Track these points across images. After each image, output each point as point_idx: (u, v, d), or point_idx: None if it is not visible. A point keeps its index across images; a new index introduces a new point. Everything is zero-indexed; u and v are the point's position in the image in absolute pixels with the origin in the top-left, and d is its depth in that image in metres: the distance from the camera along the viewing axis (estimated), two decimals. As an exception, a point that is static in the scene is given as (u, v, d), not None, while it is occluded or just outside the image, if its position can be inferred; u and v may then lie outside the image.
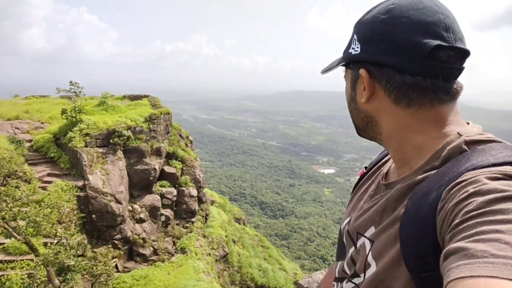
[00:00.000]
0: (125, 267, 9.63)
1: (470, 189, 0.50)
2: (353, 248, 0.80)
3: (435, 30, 0.65)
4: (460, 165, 0.58)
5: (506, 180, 0.49)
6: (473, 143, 0.63)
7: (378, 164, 0.93)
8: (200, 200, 12.46)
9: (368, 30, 0.70)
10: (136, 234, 10.17)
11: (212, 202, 14.99)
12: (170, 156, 12.55)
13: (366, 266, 0.70)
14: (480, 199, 0.47)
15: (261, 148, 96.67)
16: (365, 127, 0.80)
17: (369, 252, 0.70)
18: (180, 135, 14.44)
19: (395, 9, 0.68)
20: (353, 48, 0.74)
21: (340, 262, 0.86)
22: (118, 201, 9.80)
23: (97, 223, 9.53)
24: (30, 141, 10.87)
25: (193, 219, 11.75)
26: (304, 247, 36.77)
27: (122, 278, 9.04)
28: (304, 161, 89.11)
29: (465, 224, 0.46)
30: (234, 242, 13.27)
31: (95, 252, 9.26)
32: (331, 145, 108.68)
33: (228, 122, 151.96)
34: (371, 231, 0.73)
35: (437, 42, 0.64)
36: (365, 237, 0.74)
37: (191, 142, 15.33)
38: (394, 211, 0.68)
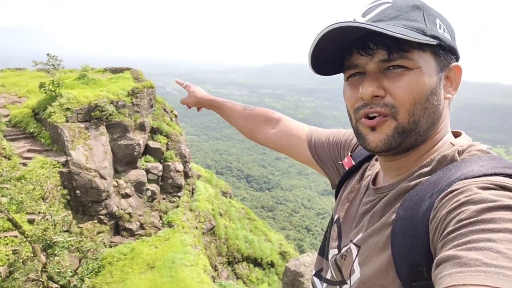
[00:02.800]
0: (112, 242, 9.72)
1: (462, 198, 0.50)
2: (336, 251, 0.79)
3: None
4: (451, 174, 0.58)
5: (497, 190, 0.50)
6: (463, 153, 0.63)
7: (367, 165, 0.85)
8: (186, 175, 12.48)
9: (452, 29, 0.68)
10: (122, 209, 10.19)
11: (198, 177, 15.05)
12: (155, 131, 12.40)
13: (351, 272, 0.68)
14: (472, 208, 0.47)
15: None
16: (425, 130, 0.65)
17: (356, 258, 0.68)
18: (165, 109, 14.21)
19: None
20: (443, 33, 0.63)
21: (324, 262, 0.84)
22: (102, 177, 9.72)
23: (82, 198, 9.47)
24: (7, 116, 10.50)
25: (179, 194, 11.82)
26: (289, 218, 37.77)
27: (109, 252, 9.13)
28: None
29: (457, 232, 0.46)
30: (221, 215, 13.49)
31: (80, 227, 9.27)
32: (317, 119, 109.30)
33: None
34: (359, 237, 0.71)
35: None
36: (352, 242, 0.72)
37: (175, 116, 15.13)
38: (382, 217, 0.67)
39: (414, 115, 0.62)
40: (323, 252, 0.86)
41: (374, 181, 0.79)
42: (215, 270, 11.26)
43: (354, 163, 0.87)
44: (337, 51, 0.68)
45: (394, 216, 0.62)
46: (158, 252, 9.36)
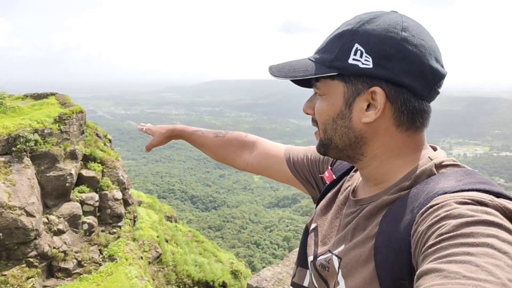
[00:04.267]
0: (45, 286, 8.70)
1: (442, 212, 0.53)
2: (311, 258, 0.80)
3: (440, 57, 0.68)
4: (430, 188, 0.61)
5: (474, 205, 0.52)
6: (440, 167, 0.67)
7: (347, 177, 0.89)
8: (126, 203, 11.77)
9: (388, 45, 0.64)
10: (55, 247, 9.22)
11: (140, 203, 14.29)
12: (88, 159, 11.56)
13: (336, 284, 0.70)
14: (452, 222, 0.49)
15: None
16: (347, 146, 0.73)
17: (338, 270, 0.70)
18: (97, 134, 13.37)
19: (411, 28, 0.66)
20: (357, 60, 0.66)
21: (304, 270, 0.85)
22: (29, 214, 8.74)
23: (5, 241, 8.39)
24: None
25: (120, 224, 11.07)
26: (237, 235, 37.44)
27: (42, 298, 8.17)
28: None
29: (438, 246, 0.48)
30: (167, 241, 12.90)
31: (5, 275, 8.17)
32: (257, 133, 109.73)
33: (150, 116, 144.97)
34: (340, 249, 0.73)
35: (445, 70, 0.68)
36: (333, 254, 0.74)
37: (110, 141, 14.31)
38: (364, 229, 0.69)
39: (326, 133, 0.74)
40: (301, 262, 0.87)
41: (354, 193, 0.81)
42: (165, 300, 10.67)
43: (335, 177, 0.91)
44: None
45: (377, 229, 0.65)
46: (100, 290, 8.61)
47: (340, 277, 0.69)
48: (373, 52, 0.65)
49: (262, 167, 1.15)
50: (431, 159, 0.68)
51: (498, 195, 0.56)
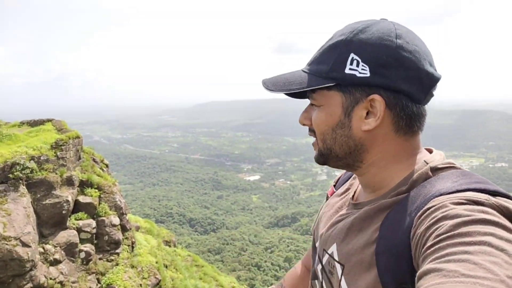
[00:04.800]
0: (41, 319, 8.39)
1: (439, 214, 0.54)
2: (320, 266, 0.82)
3: (433, 61, 0.70)
4: (427, 191, 0.62)
5: (470, 205, 0.53)
6: (436, 170, 0.67)
7: (346, 185, 0.92)
8: (123, 228, 11.56)
9: (384, 53, 0.66)
10: (51, 278, 8.96)
11: (138, 228, 14.05)
12: (84, 184, 11.42)
13: None
14: (449, 222, 0.50)
15: (185, 163, 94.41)
16: (347, 155, 0.74)
17: (341, 277, 0.71)
18: (94, 160, 13.27)
19: (404, 35, 0.68)
20: (354, 70, 0.67)
21: (314, 282, 0.87)
22: (25, 244, 8.53)
23: (0, 275, 8.14)
24: None
25: (117, 250, 10.83)
26: (238, 257, 36.72)
27: (38, 332, 7.86)
28: (230, 171, 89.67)
29: (436, 246, 0.49)
30: (166, 266, 12.61)
31: (-1, 309, 7.89)
32: (253, 152, 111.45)
33: (146, 139, 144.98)
34: (334, 248, 0.74)
35: (439, 74, 0.70)
36: (330, 255, 0.75)
37: (106, 166, 14.18)
38: (360, 231, 0.70)
39: (325, 143, 0.75)
40: (313, 275, 0.89)
41: (354, 198, 0.84)
42: (166, 329, 10.30)
43: (335, 190, 0.96)
44: None
45: (377, 234, 0.65)
46: (98, 321, 8.30)
47: (343, 284, 0.70)
48: (370, 61, 0.66)
49: None
50: (427, 163, 0.70)
51: (494, 193, 0.56)
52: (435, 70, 0.69)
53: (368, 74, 0.66)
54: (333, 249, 0.75)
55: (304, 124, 0.80)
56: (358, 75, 0.67)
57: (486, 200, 0.54)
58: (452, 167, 0.68)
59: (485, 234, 0.47)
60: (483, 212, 0.51)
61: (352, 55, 0.67)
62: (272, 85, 0.76)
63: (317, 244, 0.88)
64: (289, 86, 0.73)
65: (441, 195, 0.59)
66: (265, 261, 35.39)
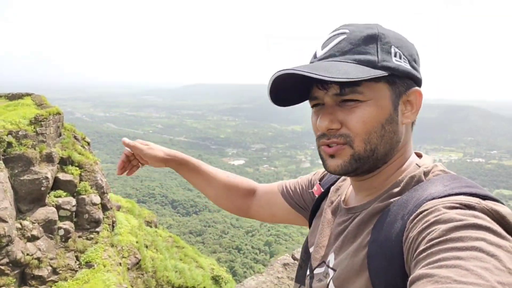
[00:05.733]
0: (17, 295, 8.33)
1: (431, 218, 0.54)
2: (308, 272, 0.81)
3: None
4: (419, 195, 0.63)
5: (462, 209, 0.54)
6: (428, 174, 0.68)
7: (335, 187, 0.88)
8: (104, 207, 11.47)
9: (413, 50, 0.71)
10: (28, 254, 8.85)
11: (119, 208, 13.95)
12: (65, 162, 11.21)
13: None
14: (442, 227, 0.51)
15: (169, 145, 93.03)
16: (384, 155, 0.69)
17: (330, 281, 0.70)
18: (75, 137, 12.99)
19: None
20: (399, 61, 0.67)
21: (300, 287, 0.86)
22: (1, 219, 8.36)
23: (-25, 249, 7.99)
24: None
25: (98, 229, 10.76)
26: (219, 240, 37.14)
27: (14, 308, 7.81)
28: (214, 155, 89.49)
29: (428, 251, 0.49)
30: (147, 247, 12.63)
31: (-26, 284, 7.77)
32: (239, 137, 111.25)
33: (130, 119, 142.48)
34: (331, 257, 0.74)
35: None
36: (327, 265, 0.74)
37: (88, 143, 13.93)
38: (355, 237, 0.70)
39: (370, 143, 0.67)
40: (298, 278, 0.88)
41: (345, 202, 0.82)
42: (144, 308, 10.41)
43: (323, 190, 0.92)
44: (300, 83, 0.71)
45: (369, 238, 0.65)
46: (76, 298, 8.31)
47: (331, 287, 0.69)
48: (408, 55, 0.69)
49: (264, 209, 1.11)
50: (419, 166, 0.70)
51: (484, 197, 0.57)
52: None
53: (410, 67, 0.68)
54: (330, 258, 0.74)
55: (330, 130, 0.68)
56: (404, 66, 0.67)
57: (477, 204, 0.54)
58: (442, 171, 0.69)
59: (477, 239, 0.47)
60: (474, 216, 0.51)
61: (393, 47, 0.67)
62: (324, 71, 0.62)
63: (311, 250, 0.85)
64: (351, 74, 0.62)
65: (433, 198, 0.59)
66: (246, 244, 35.94)
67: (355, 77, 0.61)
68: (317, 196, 0.92)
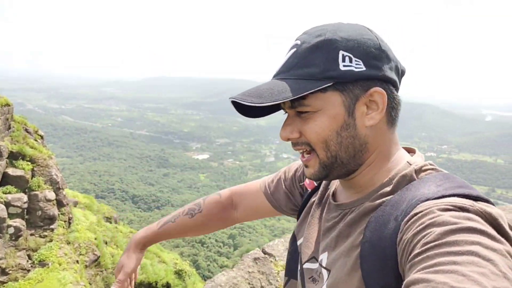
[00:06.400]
0: (-39, 298, 7.78)
1: (426, 220, 0.54)
2: (299, 267, 0.81)
3: None
4: (412, 195, 0.62)
5: (456, 212, 0.54)
6: (419, 172, 0.68)
7: (325, 182, 0.89)
8: (60, 203, 10.95)
9: (371, 47, 0.67)
10: (-27, 255, 8.28)
11: (76, 204, 13.38)
12: (15, 156, 10.54)
13: None
14: (437, 230, 0.51)
15: (129, 139, 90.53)
16: (351, 158, 0.70)
17: (325, 281, 0.71)
18: (27, 130, 12.24)
19: (373, 30, 0.71)
20: (349, 66, 0.65)
21: (293, 281, 0.86)
22: None
23: None
24: None
25: (52, 226, 10.26)
26: (182, 235, 36.69)
27: (-42, 312, 7.29)
28: (178, 149, 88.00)
29: (424, 255, 0.49)
30: (106, 243, 12.24)
31: None
32: (203, 131, 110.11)
33: (87, 111, 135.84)
34: (324, 256, 0.74)
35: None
36: (320, 264, 0.75)
37: (41, 137, 13.18)
38: (348, 237, 0.70)
39: (329, 150, 0.68)
40: (288, 272, 0.88)
41: (334, 196, 0.82)
42: (104, 305, 10.14)
43: (316, 184, 0.91)
44: None
45: (361, 237, 0.65)
46: (29, 299, 7.92)
47: None
48: (362, 55, 0.66)
49: (251, 215, 1.09)
50: (410, 164, 0.70)
51: (477, 198, 0.58)
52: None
53: (364, 68, 0.66)
54: (323, 257, 0.74)
55: (290, 139, 0.71)
56: (356, 69, 0.65)
57: (471, 206, 0.55)
58: (433, 169, 0.69)
59: (472, 243, 0.47)
60: (469, 219, 0.52)
61: (341, 52, 0.66)
62: (257, 98, 0.65)
63: (298, 243, 0.86)
64: (281, 95, 0.64)
65: (427, 199, 0.59)
66: (209, 238, 35.83)
67: (295, 93, 0.64)
68: (309, 190, 0.92)
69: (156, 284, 12.13)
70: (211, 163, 78.11)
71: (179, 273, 13.23)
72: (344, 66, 0.65)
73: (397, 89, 0.71)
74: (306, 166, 0.73)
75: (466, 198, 0.57)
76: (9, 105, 11.28)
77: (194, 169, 71.52)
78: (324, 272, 0.72)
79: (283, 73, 0.69)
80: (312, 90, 0.64)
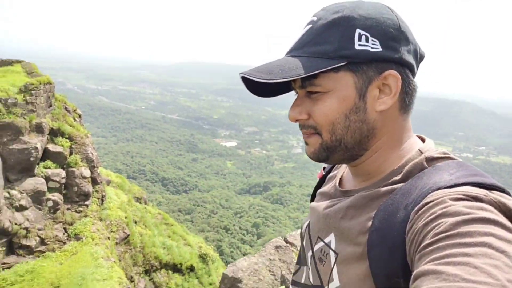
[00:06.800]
0: (4, 263, 8.31)
1: (437, 210, 0.52)
2: (310, 253, 0.79)
3: None
4: (423, 183, 0.60)
5: (469, 201, 0.52)
6: (432, 160, 0.65)
7: (334, 168, 0.90)
8: (94, 181, 11.40)
9: (391, 27, 0.63)
10: (16, 224, 8.80)
11: (108, 182, 13.90)
12: (55, 133, 11.03)
13: (330, 279, 0.69)
14: (448, 220, 0.49)
15: (161, 122, 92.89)
16: (356, 143, 0.68)
17: (334, 265, 0.69)
18: (66, 109, 12.77)
19: (394, 10, 0.67)
20: (365, 45, 0.62)
21: (302, 268, 0.85)
22: (-12, 188, 8.25)
23: (-39, 215, 7.90)
24: None
25: (87, 202, 10.72)
26: (207, 219, 37.53)
27: (1, 276, 7.80)
28: (207, 135, 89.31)
29: (435, 246, 0.48)
30: (136, 222, 12.68)
31: (-40, 250, 7.73)
32: (232, 118, 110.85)
33: (122, 93, 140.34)
34: (331, 238, 0.72)
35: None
36: (326, 244, 0.73)
37: (79, 116, 13.72)
38: (354, 220, 0.67)
39: (335, 134, 0.66)
40: (299, 260, 0.88)
41: (340, 183, 0.80)
42: (131, 281, 10.53)
43: (324, 173, 0.92)
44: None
45: (369, 224, 0.63)
46: (64, 269, 8.33)
47: (334, 273, 0.68)
48: (379, 35, 0.63)
49: None
50: (422, 152, 0.67)
51: (491, 186, 0.55)
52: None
53: (380, 49, 0.62)
54: (330, 238, 0.72)
55: (298, 120, 0.70)
56: (371, 50, 0.62)
57: (485, 195, 0.52)
58: (447, 157, 0.66)
59: (485, 234, 0.46)
60: (482, 209, 0.50)
61: (358, 30, 0.63)
62: (266, 74, 0.64)
63: (303, 230, 0.86)
64: (291, 72, 0.63)
65: (438, 189, 0.56)
66: (234, 225, 36.40)
67: (306, 71, 0.62)
68: (318, 179, 0.93)
69: (181, 266, 12.46)
70: (238, 150, 78.72)
71: (203, 257, 13.50)
72: (359, 45, 0.62)
73: (413, 74, 0.67)
74: (307, 144, 0.71)
75: (480, 187, 0.55)
76: (50, 84, 11.76)
77: (222, 155, 72.42)
78: (332, 254, 0.70)
79: (295, 50, 0.67)
80: (324, 69, 0.62)
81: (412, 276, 0.47)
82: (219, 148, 76.71)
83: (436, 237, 0.48)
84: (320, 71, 0.62)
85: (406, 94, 0.66)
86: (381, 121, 0.66)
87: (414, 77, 0.68)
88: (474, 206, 0.50)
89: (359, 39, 0.62)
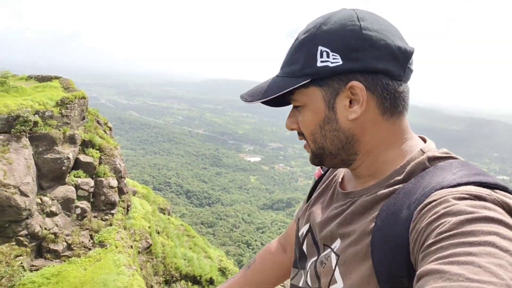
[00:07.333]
0: (33, 266, 8.73)
1: (441, 209, 0.52)
2: (315, 258, 0.78)
3: (402, 36, 0.69)
4: (426, 183, 0.60)
5: (472, 201, 0.52)
6: (434, 160, 0.66)
7: (332, 170, 0.90)
8: (121, 191, 11.82)
9: (351, 38, 0.64)
10: (46, 228, 9.26)
11: (134, 193, 14.34)
12: (86, 144, 11.61)
13: (332, 282, 0.69)
14: (452, 220, 0.49)
15: (188, 136, 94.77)
16: (340, 150, 0.71)
17: (335, 267, 0.69)
18: (98, 122, 13.42)
19: (367, 17, 0.67)
20: (325, 62, 0.66)
21: (300, 272, 0.84)
22: (23, 194, 8.77)
23: (-3, 219, 8.42)
24: None
25: (113, 211, 11.11)
26: (229, 233, 37.48)
27: (29, 278, 8.19)
28: (231, 150, 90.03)
29: (438, 245, 0.47)
30: (158, 233, 12.94)
31: (-6, 251, 8.21)
32: (257, 134, 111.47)
33: (152, 108, 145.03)
34: (337, 243, 0.71)
35: (411, 47, 0.68)
36: (332, 249, 0.72)
37: (110, 129, 14.36)
38: (358, 223, 0.68)
39: (316, 142, 0.73)
40: (295, 264, 0.87)
41: (341, 185, 0.81)
42: (151, 291, 10.69)
43: (322, 172, 0.96)
44: None
45: (372, 225, 0.63)
46: (87, 274, 8.63)
47: (337, 275, 0.68)
48: (339, 48, 0.65)
49: None
50: (424, 152, 0.68)
51: (494, 186, 0.55)
52: (407, 44, 0.68)
53: (341, 62, 0.65)
54: (337, 243, 0.71)
55: (292, 129, 0.76)
56: (331, 65, 0.65)
57: (488, 195, 0.52)
58: (449, 157, 0.66)
59: (489, 233, 0.45)
60: (485, 208, 0.50)
61: (320, 47, 0.66)
62: (249, 96, 0.74)
63: (302, 234, 0.86)
64: (266, 93, 0.71)
65: (442, 188, 0.57)
66: (255, 240, 36.10)
67: (276, 92, 0.70)
68: (316, 178, 0.94)
69: (201, 278, 12.51)
70: (262, 166, 78.68)
71: (223, 271, 13.50)
72: (321, 61, 0.66)
73: (395, 76, 0.66)
74: (307, 151, 0.78)
75: (483, 186, 0.55)
76: (85, 98, 12.47)
77: (246, 170, 72.62)
78: (333, 256, 0.70)
79: (280, 70, 0.74)
80: (290, 88, 0.68)
81: (416, 276, 0.47)
82: (243, 163, 77.06)
83: (440, 236, 0.48)
84: (288, 90, 0.68)
85: (385, 99, 0.66)
86: (359, 128, 0.68)
87: (401, 78, 0.67)
88: (477, 205, 0.50)
89: (321, 56, 0.66)
